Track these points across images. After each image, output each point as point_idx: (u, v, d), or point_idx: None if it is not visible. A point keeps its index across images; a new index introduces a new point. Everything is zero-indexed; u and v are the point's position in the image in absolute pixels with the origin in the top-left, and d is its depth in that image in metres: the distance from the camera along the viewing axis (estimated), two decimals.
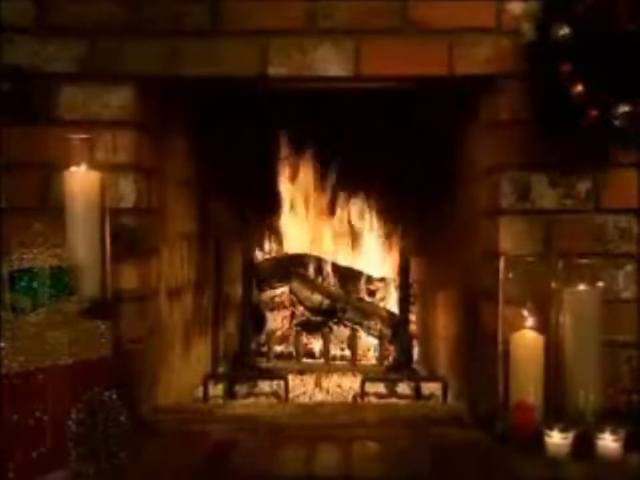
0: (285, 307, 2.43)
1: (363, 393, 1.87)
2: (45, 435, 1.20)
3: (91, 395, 1.21)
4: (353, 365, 2.13)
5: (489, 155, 1.57)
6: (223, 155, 2.04)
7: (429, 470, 1.29)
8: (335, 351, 2.22)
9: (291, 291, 2.43)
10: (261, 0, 1.49)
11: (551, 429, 1.31)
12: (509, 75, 1.48)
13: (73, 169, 1.37)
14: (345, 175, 2.31)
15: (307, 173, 2.37)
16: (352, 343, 2.17)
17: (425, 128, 1.99)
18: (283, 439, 1.44)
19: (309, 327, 2.33)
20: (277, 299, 2.44)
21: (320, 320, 2.37)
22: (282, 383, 1.90)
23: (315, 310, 2.39)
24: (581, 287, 1.42)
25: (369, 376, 1.97)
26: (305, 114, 2.02)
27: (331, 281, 2.43)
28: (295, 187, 2.40)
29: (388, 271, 2.45)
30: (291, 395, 1.91)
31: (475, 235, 1.66)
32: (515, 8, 1.48)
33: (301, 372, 2.13)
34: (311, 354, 2.23)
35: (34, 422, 1.18)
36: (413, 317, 2.32)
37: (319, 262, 2.44)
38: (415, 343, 2.24)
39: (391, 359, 2.13)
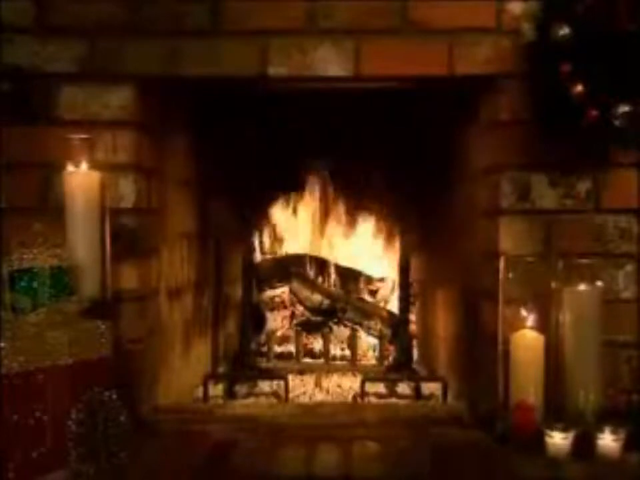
0: (285, 307, 2.43)
1: (363, 393, 1.87)
2: (45, 435, 1.20)
3: (91, 395, 1.20)
4: (352, 364, 2.13)
5: (488, 155, 1.57)
6: (222, 154, 2.04)
7: (428, 470, 1.29)
8: (335, 350, 2.22)
9: (290, 291, 2.43)
10: (260, 0, 1.49)
11: (551, 429, 1.30)
12: (509, 75, 1.48)
13: (73, 169, 1.37)
14: (345, 175, 2.31)
15: (306, 173, 2.37)
16: (352, 343, 2.17)
17: (425, 128, 1.99)
18: (282, 439, 1.43)
19: (309, 327, 2.33)
20: (276, 299, 2.44)
21: (320, 320, 2.37)
22: (282, 382, 1.90)
23: (315, 310, 2.39)
24: (581, 286, 1.42)
25: (369, 376, 1.97)
26: (305, 114, 2.02)
27: (331, 281, 2.43)
28: (295, 187, 2.40)
29: (388, 271, 2.45)
30: (291, 395, 1.91)
31: (475, 234, 1.66)
32: (515, 8, 1.48)
33: (301, 372, 2.13)
34: (311, 354, 2.23)
35: (34, 422, 1.18)
36: (413, 317, 2.32)
37: (319, 262, 2.44)
38: (414, 343, 2.24)
39: (391, 358, 2.14)
